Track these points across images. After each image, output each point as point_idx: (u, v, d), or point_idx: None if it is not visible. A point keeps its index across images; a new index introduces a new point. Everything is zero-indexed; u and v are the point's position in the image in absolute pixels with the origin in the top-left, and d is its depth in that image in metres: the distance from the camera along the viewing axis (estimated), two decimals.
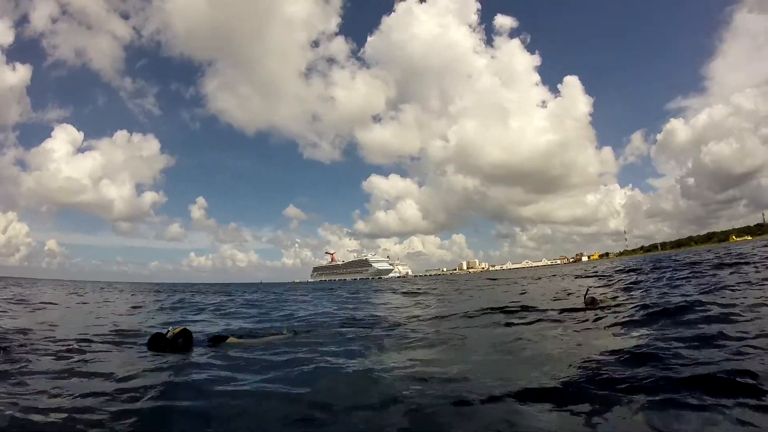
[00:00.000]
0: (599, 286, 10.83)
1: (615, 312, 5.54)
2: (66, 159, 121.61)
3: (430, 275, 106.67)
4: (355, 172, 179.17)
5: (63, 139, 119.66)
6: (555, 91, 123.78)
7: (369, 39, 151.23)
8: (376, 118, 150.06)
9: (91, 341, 5.08)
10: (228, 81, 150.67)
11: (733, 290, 6.56)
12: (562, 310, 6.21)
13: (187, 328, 4.60)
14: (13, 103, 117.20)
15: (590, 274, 17.71)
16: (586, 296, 6.70)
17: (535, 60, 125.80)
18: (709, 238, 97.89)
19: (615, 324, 4.77)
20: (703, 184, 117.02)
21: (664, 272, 12.52)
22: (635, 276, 13.03)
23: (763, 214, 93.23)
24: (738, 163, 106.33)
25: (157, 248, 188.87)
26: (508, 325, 5.48)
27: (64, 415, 2.44)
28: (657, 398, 2.34)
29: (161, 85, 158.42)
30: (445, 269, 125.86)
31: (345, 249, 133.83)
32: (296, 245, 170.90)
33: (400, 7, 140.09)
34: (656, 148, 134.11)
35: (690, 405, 2.23)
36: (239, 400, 2.73)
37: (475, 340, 4.81)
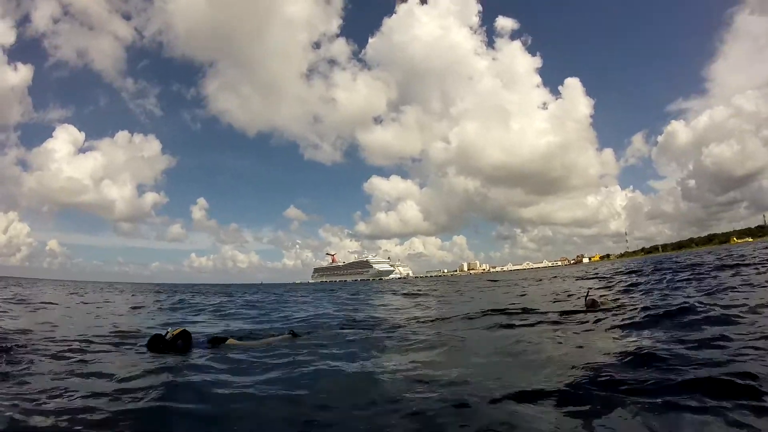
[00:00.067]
0: (600, 288, 10.80)
1: (616, 314, 5.52)
2: (67, 159, 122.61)
3: (431, 276, 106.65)
4: (356, 174, 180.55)
5: (64, 139, 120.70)
6: (556, 92, 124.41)
7: (370, 40, 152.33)
8: (377, 120, 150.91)
9: (91, 342, 5.09)
10: (229, 82, 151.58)
11: (734, 292, 6.54)
12: (563, 312, 6.20)
13: (187, 329, 4.59)
14: (15, 103, 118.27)
15: (591, 276, 17.70)
16: (587, 298, 6.68)
17: (536, 62, 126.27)
18: (710, 239, 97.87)
19: (616, 326, 4.75)
20: (704, 186, 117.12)
21: (665, 274, 12.50)
22: (636, 278, 13.03)
23: (764, 216, 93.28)
24: (739, 165, 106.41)
25: (158, 249, 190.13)
26: (508, 327, 5.47)
27: (64, 415, 2.44)
28: (658, 400, 2.34)
29: (162, 86, 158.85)
30: (445, 270, 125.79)
31: (346, 250, 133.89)
32: (297, 246, 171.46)
33: (401, 9, 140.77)
34: (657, 150, 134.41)
35: (691, 407, 2.22)
36: (238, 402, 2.72)
37: (475, 342, 4.80)
